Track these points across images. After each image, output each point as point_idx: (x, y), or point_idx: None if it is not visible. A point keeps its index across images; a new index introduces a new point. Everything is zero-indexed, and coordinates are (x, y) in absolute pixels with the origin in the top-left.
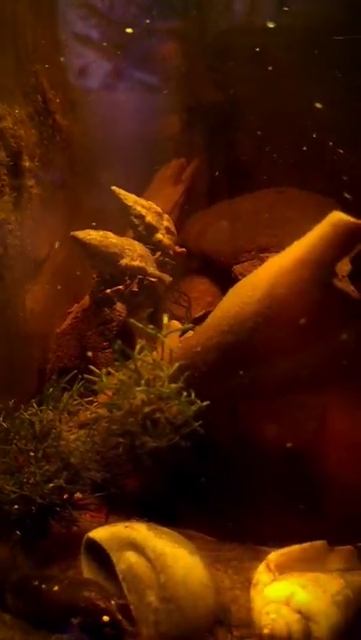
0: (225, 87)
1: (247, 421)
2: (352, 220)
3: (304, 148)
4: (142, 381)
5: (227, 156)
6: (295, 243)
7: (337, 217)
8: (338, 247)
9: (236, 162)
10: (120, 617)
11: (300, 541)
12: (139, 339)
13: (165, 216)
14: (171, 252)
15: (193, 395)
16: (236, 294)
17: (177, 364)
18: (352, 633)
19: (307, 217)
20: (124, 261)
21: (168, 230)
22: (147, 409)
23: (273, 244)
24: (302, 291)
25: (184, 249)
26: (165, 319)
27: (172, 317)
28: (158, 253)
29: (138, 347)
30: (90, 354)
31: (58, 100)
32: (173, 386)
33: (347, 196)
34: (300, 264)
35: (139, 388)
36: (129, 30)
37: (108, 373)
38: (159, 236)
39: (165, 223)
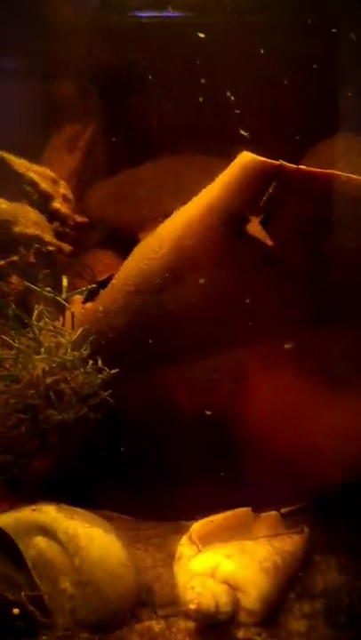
0: (121, 51)
1: (160, 387)
2: (262, 159)
3: (203, 112)
4: (42, 349)
5: (125, 122)
6: (203, 190)
7: (247, 157)
8: (248, 190)
9: (134, 128)
10: (32, 608)
11: (224, 511)
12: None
13: (62, 183)
14: (70, 221)
15: (100, 362)
16: (141, 251)
17: (80, 330)
18: (281, 596)
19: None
20: (17, 229)
21: (65, 198)
22: (49, 379)
23: None
24: (212, 240)
25: (85, 218)
26: (65, 281)
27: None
28: (57, 223)
29: (35, 312)
30: None
31: None
32: (77, 353)
33: (243, 133)
34: (208, 212)
35: (38, 357)
36: None
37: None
38: (56, 204)
39: (62, 190)
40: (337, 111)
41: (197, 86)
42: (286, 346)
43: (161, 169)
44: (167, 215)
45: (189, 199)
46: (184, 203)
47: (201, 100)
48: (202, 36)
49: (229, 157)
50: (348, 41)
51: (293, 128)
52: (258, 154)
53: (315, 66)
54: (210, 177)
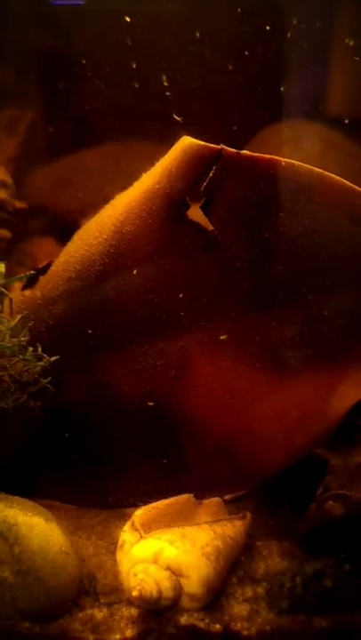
0: (61, 35)
1: (102, 374)
2: (203, 143)
3: (145, 98)
4: None
5: (65, 108)
6: (144, 174)
7: (187, 142)
8: (189, 175)
9: (74, 113)
10: None
11: (167, 497)
12: None
13: (1, 168)
14: (10, 207)
15: (40, 349)
16: (81, 237)
17: (19, 317)
18: (223, 581)
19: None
20: None
21: (4, 184)
22: None
23: None
24: (153, 226)
25: (25, 204)
26: (2, 267)
27: None
28: None
29: None
30: None
31: None
32: (15, 340)
33: (176, 117)
34: (149, 197)
35: None
36: None
37: None
38: None
39: (1, 176)
40: (282, 98)
41: (138, 72)
42: (222, 337)
43: (103, 155)
44: (108, 201)
45: (131, 185)
46: (125, 189)
47: (137, 86)
48: (128, 19)
49: (171, 143)
50: (290, 28)
51: (237, 114)
52: (200, 139)
53: (246, 52)
54: (152, 163)
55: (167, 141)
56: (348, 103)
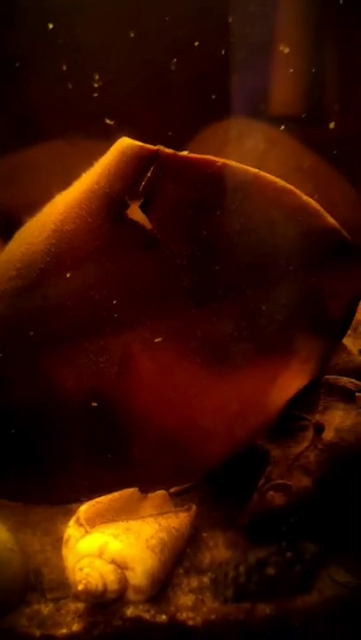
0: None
1: (45, 372)
2: (140, 144)
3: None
4: None
5: (8, 104)
6: (83, 174)
7: (125, 143)
8: (128, 175)
9: (19, 111)
10: None
11: (112, 492)
12: None
13: None
14: None
15: None
16: (22, 236)
17: None
18: (168, 572)
19: None
20: None
21: None
22: None
23: None
24: (92, 224)
25: None
26: None
27: None
28: None
29: None
30: None
31: None
32: None
33: (109, 121)
34: (88, 196)
35: None
36: None
37: None
38: None
39: None
40: (228, 96)
41: (82, 70)
42: (157, 340)
43: (48, 153)
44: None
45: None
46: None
47: (70, 85)
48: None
49: (114, 141)
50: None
51: (182, 113)
52: (140, 139)
53: (196, 43)
54: (96, 160)
55: (112, 139)
56: (290, 101)
